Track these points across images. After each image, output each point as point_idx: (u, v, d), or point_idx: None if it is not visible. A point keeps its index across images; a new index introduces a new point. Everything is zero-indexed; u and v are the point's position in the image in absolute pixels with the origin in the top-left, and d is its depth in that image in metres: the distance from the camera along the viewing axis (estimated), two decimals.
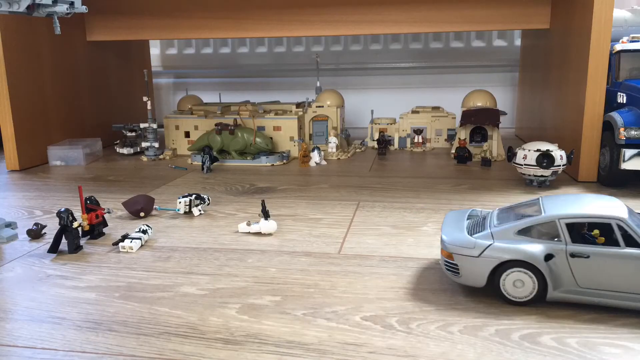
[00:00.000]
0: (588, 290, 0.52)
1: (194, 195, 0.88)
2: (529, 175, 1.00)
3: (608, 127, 1.00)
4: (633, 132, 0.93)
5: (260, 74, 1.99)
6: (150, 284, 0.61)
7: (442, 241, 0.57)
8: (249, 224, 0.78)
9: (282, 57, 1.96)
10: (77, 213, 0.81)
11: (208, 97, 1.99)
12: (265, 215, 0.77)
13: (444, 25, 1.33)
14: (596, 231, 0.57)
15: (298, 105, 1.43)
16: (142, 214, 0.86)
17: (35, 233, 0.78)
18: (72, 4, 0.70)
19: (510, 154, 1.03)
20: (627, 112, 0.96)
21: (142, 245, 0.73)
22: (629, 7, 1.47)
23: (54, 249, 0.71)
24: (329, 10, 1.36)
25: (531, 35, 1.52)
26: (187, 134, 1.41)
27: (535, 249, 0.53)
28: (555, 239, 0.53)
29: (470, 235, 0.56)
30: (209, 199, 0.89)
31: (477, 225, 0.59)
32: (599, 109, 1.02)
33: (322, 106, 1.40)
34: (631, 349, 0.46)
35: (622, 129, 0.94)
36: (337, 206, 0.91)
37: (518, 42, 1.81)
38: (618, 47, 1.04)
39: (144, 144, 1.39)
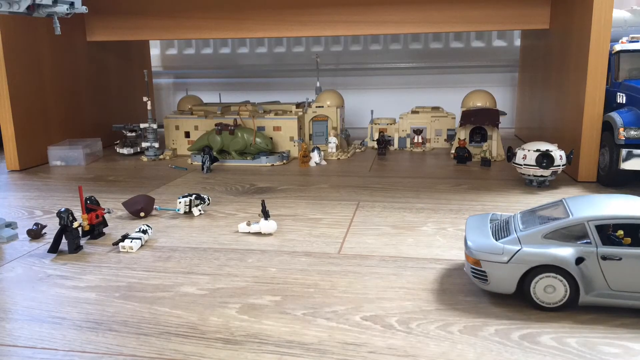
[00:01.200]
0: (620, 293, 0.51)
1: (194, 195, 0.88)
2: (529, 175, 1.00)
3: (607, 127, 1.00)
4: (632, 132, 0.94)
5: (260, 74, 1.99)
6: (151, 284, 0.61)
7: (467, 247, 0.56)
8: (249, 224, 0.78)
9: (282, 58, 1.96)
10: (77, 213, 0.82)
11: (208, 98, 1.99)
12: (265, 215, 0.77)
13: (443, 26, 1.33)
14: (620, 232, 0.56)
15: (298, 105, 1.43)
16: (142, 214, 0.86)
17: (36, 233, 0.78)
18: (72, 4, 0.70)
19: (510, 154, 1.03)
20: (627, 112, 0.96)
21: (142, 245, 0.73)
22: (628, 7, 1.47)
23: (54, 249, 0.71)
24: (329, 10, 1.36)
25: (531, 36, 1.52)
26: (187, 134, 1.41)
27: (565, 252, 0.51)
28: (585, 242, 0.52)
29: (496, 240, 0.55)
30: (209, 199, 0.89)
31: (500, 230, 0.57)
32: (599, 109, 1.02)
33: (322, 106, 1.40)
34: (631, 349, 0.46)
35: (621, 129, 0.94)
36: (337, 206, 0.91)
37: (518, 42, 1.81)
38: (618, 47, 1.04)
39: (144, 144, 1.39)
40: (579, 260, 0.51)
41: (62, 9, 0.68)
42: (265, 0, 1.37)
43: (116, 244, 0.73)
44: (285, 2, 1.37)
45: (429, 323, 0.51)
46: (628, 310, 0.53)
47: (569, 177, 1.09)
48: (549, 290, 0.52)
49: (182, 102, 1.58)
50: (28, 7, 0.65)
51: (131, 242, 0.72)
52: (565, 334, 0.49)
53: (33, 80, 1.30)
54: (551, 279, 0.52)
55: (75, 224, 0.72)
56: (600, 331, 0.49)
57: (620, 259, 0.51)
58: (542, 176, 0.99)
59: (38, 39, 1.32)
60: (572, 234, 0.52)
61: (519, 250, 0.53)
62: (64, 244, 0.72)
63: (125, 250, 0.72)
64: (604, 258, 0.51)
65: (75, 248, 0.72)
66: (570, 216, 0.53)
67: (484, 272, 0.54)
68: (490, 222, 0.61)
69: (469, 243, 0.56)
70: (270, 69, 1.97)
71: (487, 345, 0.47)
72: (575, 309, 0.54)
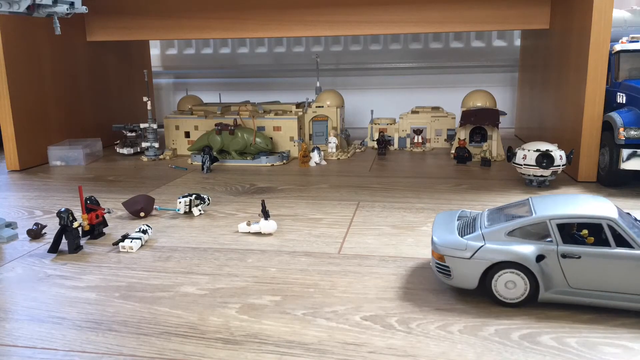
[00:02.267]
0: (579, 291, 0.52)
1: (194, 195, 0.88)
2: (529, 175, 1.00)
3: (607, 127, 1.00)
4: (632, 132, 0.94)
5: (260, 74, 1.99)
6: (151, 284, 0.61)
7: (433, 243, 0.57)
8: (249, 224, 0.78)
9: (282, 58, 1.96)
10: (77, 213, 0.82)
11: (208, 98, 1.99)
12: (265, 215, 0.77)
13: (443, 26, 1.33)
14: (585, 231, 0.57)
15: (298, 105, 1.43)
16: (142, 214, 0.86)
17: (36, 233, 0.78)
18: (72, 4, 0.70)
19: (510, 154, 1.03)
20: (627, 112, 0.96)
21: (142, 245, 0.73)
22: (628, 7, 1.47)
23: (54, 249, 0.71)
24: (329, 10, 1.36)
25: (531, 36, 1.52)
26: (187, 134, 1.41)
27: (526, 250, 0.53)
28: (547, 240, 0.53)
29: (461, 236, 0.56)
30: (209, 199, 0.89)
31: (467, 226, 0.59)
32: (599, 109, 1.02)
33: (322, 106, 1.40)
34: (631, 349, 0.47)
35: (621, 129, 0.94)
36: (337, 206, 0.91)
37: (518, 42, 1.81)
38: (617, 47, 1.04)
39: (144, 144, 1.39)
40: (540, 258, 0.52)
41: (62, 9, 0.68)
42: (266, 0, 1.37)
43: (116, 244, 0.73)
44: (286, 2, 1.37)
45: (429, 323, 0.51)
46: (627, 311, 0.53)
47: (569, 177, 1.09)
48: (510, 285, 0.53)
49: (182, 102, 1.58)
50: (28, 7, 0.65)
51: (131, 242, 0.72)
52: (565, 334, 0.49)
53: (33, 80, 1.30)
54: (512, 275, 0.53)
55: (75, 224, 0.72)
56: (600, 331, 0.49)
57: (579, 257, 0.52)
58: (542, 176, 0.99)
59: (38, 39, 1.32)
60: (535, 232, 0.54)
61: (482, 246, 0.54)
62: (64, 244, 0.72)
63: (125, 250, 0.72)
64: (564, 256, 0.52)
65: (75, 248, 0.72)
66: (533, 214, 0.54)
67: (447, 267, 0.55)
68: (458, 219, 0.62)
69: (434, 239, 0.57)
70: (270, 69, 1.97)
71: (487, 345, 0.47)
72: (575, 309, 0.54)
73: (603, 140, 1.02)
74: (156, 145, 1.38)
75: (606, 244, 0.52)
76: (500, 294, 0.54)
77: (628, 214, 0.58)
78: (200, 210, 0.88)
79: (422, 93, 1.91)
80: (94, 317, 0.54)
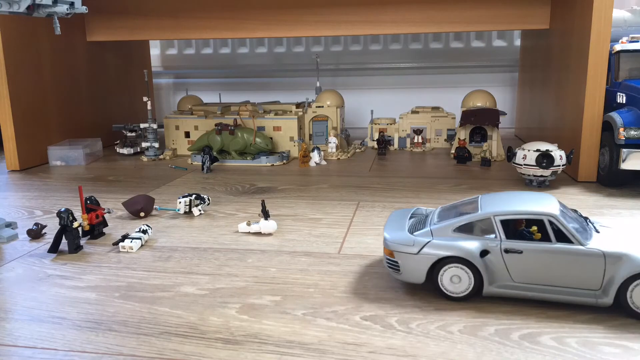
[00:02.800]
0: (522, 285, 0.54)
1: (194, 195, 0.88)
2: (529, 175, 1.00)
3: (607, 127, 1.00)
4: (632, 132, 0.94)
5: (260, 74, 1.99)
6: (150, 284, 0.61)
7: (384, 239, 0.58)
8: (249, 224, 0.78)
9: (282, 58, 1.96)
10: (78, 213, 0.82)
11: (208, 98, 1.99)
12: (265, 215, 0.77)
13: (443, 26, 1.33)
14: (534, 228, 0.58)
15: (298, 105, 1.43)
16: (142, 214, 0.86)
17: (35, 233, 0.78)
18: (72, 4, 0.70)
19: (510, 154, 1.03)
20: (627, 112, 0.96)
21: (142, 245, 0.73)
22: (628, 7, 1.47)
23: (54, 248, 0.71)
24: (329, 10, 1.36)
25: (531, 36, 1.52)
26: (187, 134, 1.41)
27: (471, 245, 0.54)
28: (491, 236, 0.55)
29: (412, 233, 0.57)
30: (209, 199, 0.89)
31: (419, 223, 0.60)
32: (599, 109, 1.02)
33: (322, 106, 1.40)
34: (630, 349, 0.47)
35: (621, 129, 0.94)
36: (337, 206, 0.91)
37: (518, 42, 1.81)
38: (617, 47, 1.04)
39: (144, 144, 1.39)
40: (484, 253, 0.54)
41: (62, 9, 0.68)
42: (266, 0, 1.37)
43: (116, 244, 0.73)
44: (286, 2, 1.37)
45: (429, 323, 0.51)
46: (627, 311, 0.53)
47: (569, 177, 1.09)
48: (455, 280, 0.55)
49: (182, 102, 1.58)
50: (28, 7, 0.65)
51: (131, 242, 0.72)
52: (565, 334, 0.49)
53: (33, 80, 1.30)
54: (457, 269, 0.55)
55: (75, 224, 0.72)
56: (600, 331, 0.50)
57: (521, 252, 0.53)
58: (542, 176, 0.99)
59: (38, 39, 1.32)
60: (481, 228, 0.55)
61: (429, 242, 0.56)
62: (64, 244, 0.72)
63: (125, 250, 0.72)
64: (507, 251, 0.54)
65: (75, 248, 0.72)
66: (479, 211, 0.56)
67: (396, 262, 0.57)
68: (412, 217, 0.63)
69: (385, 235, 0.59)
70: (270, 69, 1.97)
71: (486, 345, 0.47)
72: (575, 309, 0.54)
73: (603, 140, 1.02)
74: (156, 145, 1.38)
75: (550, 239, 0.54)
76: (446, 288, 0.56)
77: (574, 210, 0.59)
78: (200, 210, 0.88)
79: (422, 93, 1.91)
80: (94, 317, 0.54)
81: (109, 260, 0.69)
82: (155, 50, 2.01)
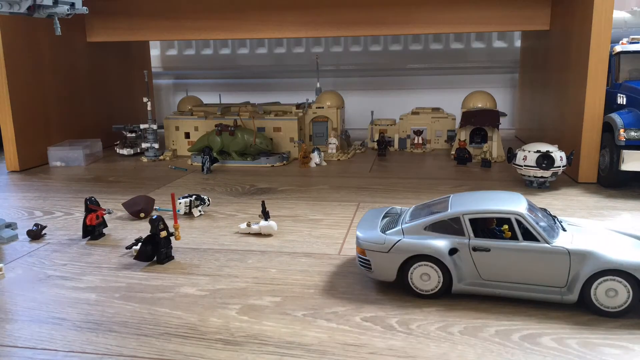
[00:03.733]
0: (490, 283, 0.55)
1: (194, 196, 0.88)
2: (529, 176, 1.00)
3: (608, 129, 1.00)
4: (633, 134, 0.94)
5: (260, 75, 1.99)
6: (151, 285, 0.61)
7: (356, 238, 0.59)
8: (249, 225, 0.78)
9: (283, 58, 1.96)
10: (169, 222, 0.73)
11: (208, 98, 1.99)
12: (266, 216, 0.77)
13: (444, 27, 1.33)
14: (505, 226, 0.59)
15: (298, 106, 1.43)
16: (142, 215, 0.86)
17: (35, 234, 0.78)
18: (72, 5, 0.70)
19: (510, 155, 1.03)
20: (627, 113, 0.96)
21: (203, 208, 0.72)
22: (628, 8, 1.47)
23: (144, 257, 0.67)
24: (329, 11, 1.36)
25: (531, 37, 1.52)
26: (187, 135, 1.41)
27: (440, 243, 0.55)
28: (460, 234, 0.55)
29: (384, 232, 0.58)
30: (209, 200, 0.89)
31: (391, 222, 0.61)
32: (599, 110, 1.02)
33: (322, 107, 1.40)
34: (631, 350, 0.46)
35: (622, 130, 0.94)
36: (337, 207, 0.91)
37: (518, 43, 1.81)
38: (618, 48, 1.04)
39: (144, 145, 1.39)
40: (453, 251, 0.55)
41: (62, 9, 0.68)
42: (266, 1, 1.37)
43: (129, 247, 0.72)
44: (286, 3, 1.37)
45: (429, 324, 0.51)
46: (628, 312, 0.53)
47: (570, 178, 1.09)
48: (425, 278, 0.56)
49: (182, 102, 1.58)
50: (28, 8, 0.65)
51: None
52: (565, 335, 0.49)
53: (33, 80, 1.30)
54: (427, 267, 0.56)
55: (162, 234, 0.67)
56: (601, 332, 0.49)
57: (489, 250, 0.54)
58: (542, 177, 0.99)
59: (38, 39, 1.32)
60: (450, 226, 0.56)
61: (399, 240, 0.56)
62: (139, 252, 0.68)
63: None
64: (475, 249, 0.55)
65: (164, 258, 0.68)
66: (449, 210, 0.57)
67: (368, 260, 0.58)
68: (386, 216, 0.64)
69: (358, 234, 0.59)
70: (271, 70, 1.97)
71: (487, 346, 0.47)
72: (576, 309, 0.53)
73: (603, 141, 1.02)
74: (156, 146, 1.38)
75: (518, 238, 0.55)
76: (416, 286, 0.57)
77: (544, 209, 0.60)
78: (200, 211, 0.88)
79: (423, 94, 1.91)
80: (94, 318, 0.54)
81: (109, 261, 0.69)
82: (155, 51, 2.00)
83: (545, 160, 0.97)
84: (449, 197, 0.61)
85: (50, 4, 0.66)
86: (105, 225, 0.80)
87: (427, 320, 0.52)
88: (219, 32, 1.42)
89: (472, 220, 0.56)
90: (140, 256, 0.67)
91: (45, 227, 0.80)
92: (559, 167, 0.97)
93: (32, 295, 0.59)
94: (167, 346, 0.48)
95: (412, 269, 0.56)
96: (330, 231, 0.79)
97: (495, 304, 0.55)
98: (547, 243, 0.53)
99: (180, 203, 0.87)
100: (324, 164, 1.29)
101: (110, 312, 0.55)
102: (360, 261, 0.59)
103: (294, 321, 0.52)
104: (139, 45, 1.79)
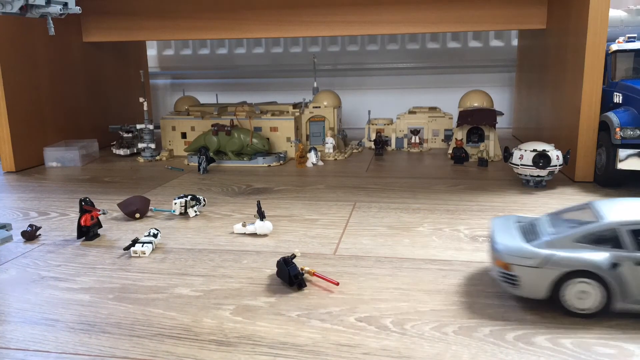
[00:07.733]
0: None
1: (189, 197, 0.87)
2: (526, 175, 1.00)
3: (604, 127, 1.00)
4: (629, 132, 0.93)
5: (257, 75, 1.99)
6: (145, 286, 0.61)
7: (496, 251, 0.54)
8: (244, 225, 0.78)
9: (280, 58, 1.96)
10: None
11: (205, 98, 1.99)
12: (261, 216, 0.77)
13: (440, 26, 1.33)
14: None
15: (295, 105, 1.43)
16: (137, 215, 0.86)
17: (30, 235, 0.78)
18: (65, 4, 0.70)
19: (507, 154, 1.03)
20: (623, 112, 0.96)
21: (153, 250, 0.72)
22: (625, 7, 1.47)
23: (290, 279, 0.60)
24: (327, 10, 1.36)
25: (528, 36, 1.52)
26: (183, 135, 1.41)
27: (599, 257, 0.50)
28: (619, 247, 0.51)
29: (526, 244, 0.54)
30: (204, 200, 0.89)
31: (528, 233, 0.56)
32: (595, 109, 1.02)
33: (319, 107, 1.40)
34: (625, 349, 0.46)
35: (618, 129, 0.94)
36: (333, 207, 0.91)
37: (515, 42, 1.81)
38: (614, 47, 1.04)
39: (140, 145, 1.38)
40: (614, 266, 0.50)
41: (55, 9, 0.68)
42: (263, 0, 1.37)
43: (127, 248, 0.71)
44: (283, 3, 1.37)
45: (424, 324, 0.51)
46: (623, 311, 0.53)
47: (566, 177, 1.09)
48: (582, 296, 0.51)
49: (178, 102, 1.58)
50: (21, 8, 0.65)
51: (142, 246, 0.70)
52: (560, 335, 0.49)
53: (29, 81, 1.30)
54: (584, 284, 0.51)
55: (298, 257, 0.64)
56: (595, 332, 0.49)
57: None
58: (539, 176, 0.99)
59: (34, 39, 1.31)
60: (605, 238, 0.51)
61: (552, 254, 0.51)
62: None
63: (137, 255, 0.70)
64: (639, 264, 0.50)
65: (295, 282, 0.61)
66: (601, 220, 0.52)
67: (514, 276, 0.53)
68: (516, 224, 0.59)
69: (497, 246, 0.54)
70: (268, 70, 1.97)
71: (481, 347, 0.47)
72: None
73: (600, 140, 1.02)
74: (152, 146, 1.38)
75: None
76: (571, 305, 0.52)
77: None
78: (195, 212, 0.88)
79: (420, 93, 1.91)
80: (88, 319, 0.54)
81: (103, 261, 0.69)
82: (152, 51, 2.00)
83: (541, 159, 0.97)
84: (588, 204, 0.56)
85: (43, 3, 0.66)
86: (100, 226, 0.79)
87: (421, 321, 0.52)
88: (215, 31, 1.41)
89: (633, 232, 0.51)
90: (293, 281, 0.60)
91: (39, 228, 0.79)
92: (556, 166, 0.97)
93: (26, 297, 0.59)
94: (160, 347, 0.48)
95: (567, 285, 0.51)
96: (326, 231, 0.79)
97: (490, 304, 0.55)
98: None
99: (175, 203, 0.87)
100: (321, 163, 1.28)
101: (104, 313, 0.55)
102: (504, 277, 0.54)
103: (288, 321, 0.52)
104: (136, 45, 1.78)
